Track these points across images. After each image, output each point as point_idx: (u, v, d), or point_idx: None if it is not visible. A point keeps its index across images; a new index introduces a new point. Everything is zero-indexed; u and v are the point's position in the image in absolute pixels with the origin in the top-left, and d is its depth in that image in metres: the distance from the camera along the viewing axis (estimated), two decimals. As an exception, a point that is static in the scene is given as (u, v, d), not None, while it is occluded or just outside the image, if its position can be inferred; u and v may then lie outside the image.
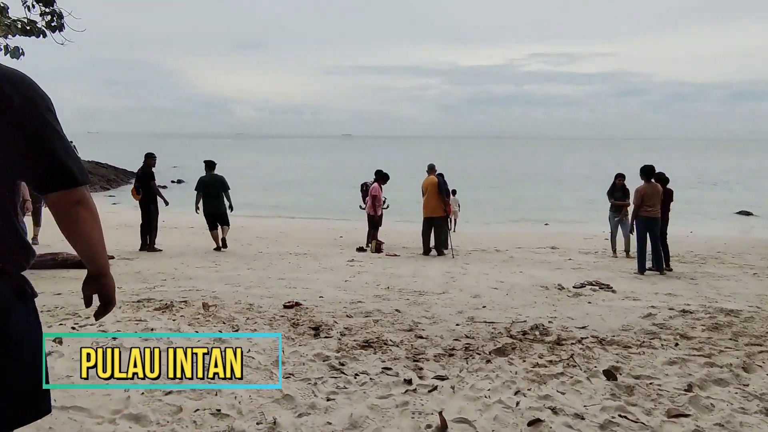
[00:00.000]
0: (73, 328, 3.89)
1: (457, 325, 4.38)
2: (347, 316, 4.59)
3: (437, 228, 9.76)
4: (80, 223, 1.40)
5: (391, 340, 3.83)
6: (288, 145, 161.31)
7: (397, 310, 4.84)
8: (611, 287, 6.33)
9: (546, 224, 19.55)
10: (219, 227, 10.18)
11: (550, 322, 4.54)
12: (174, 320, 4.10)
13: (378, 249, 10.23)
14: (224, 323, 4.15)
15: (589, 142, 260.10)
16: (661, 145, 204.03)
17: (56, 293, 5.23)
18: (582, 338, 4.02)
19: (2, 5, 6.88)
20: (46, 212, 10.06)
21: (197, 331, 3.88)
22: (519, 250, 10.75)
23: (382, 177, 11.13)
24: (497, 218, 21.60)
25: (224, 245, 10.10)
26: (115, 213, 20.38)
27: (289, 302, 4.87)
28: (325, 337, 3.90)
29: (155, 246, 9.73)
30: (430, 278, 7.00)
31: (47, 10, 7.04)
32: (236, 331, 4.02)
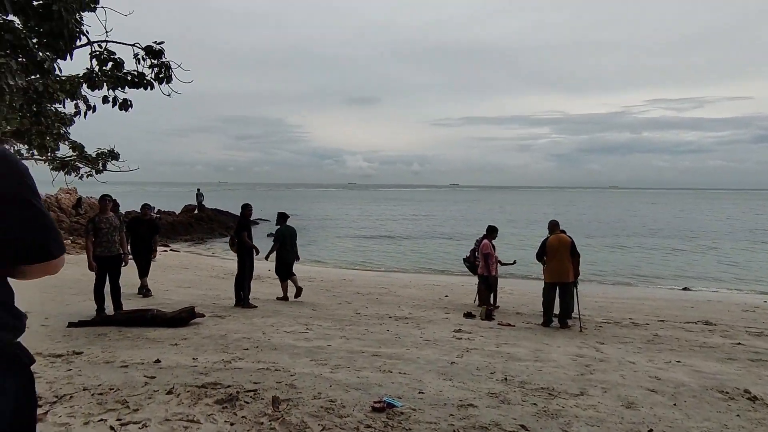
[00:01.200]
0: (112, 428, 3.15)
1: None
2: None
3: (564, 294, 8.24)
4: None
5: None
6: (397, 194, 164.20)
7: (523, 427, 3.58)
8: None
9: (685, 289, 16.80)
10: (292, 277, 10.55)
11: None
12: (232, 425, 3.22)
13: (489, 316, 8.90)
14: (293, 432, 3.19)
15: (721, 193, 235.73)
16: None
17: (122, 365, 4.66)
18: None
19: (119, 60, 6.91)
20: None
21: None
22: (663, 325, 8.83)
23: (490, 232, 9.94)
24: (620, 278, 19.09)
25: (299, 293, 10.46)
26: (227, 260, 21.00)
27: (379, 402, 3.81)
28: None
29: (250, 302, 9.25)
30: (558, 365, 5.59)
31: (156, 62, 6.98)
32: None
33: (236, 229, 10.03)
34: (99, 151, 11.36)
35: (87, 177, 11.42)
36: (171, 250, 24.63)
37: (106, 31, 6.80)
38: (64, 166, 11.65)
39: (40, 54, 5.66)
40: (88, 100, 7.17)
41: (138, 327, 6.69)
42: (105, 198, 7.79)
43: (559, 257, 8.08)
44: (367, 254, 25.75)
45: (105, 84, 6.85)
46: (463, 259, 10.77)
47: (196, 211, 37.65)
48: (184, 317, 7.00)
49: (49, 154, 11.05)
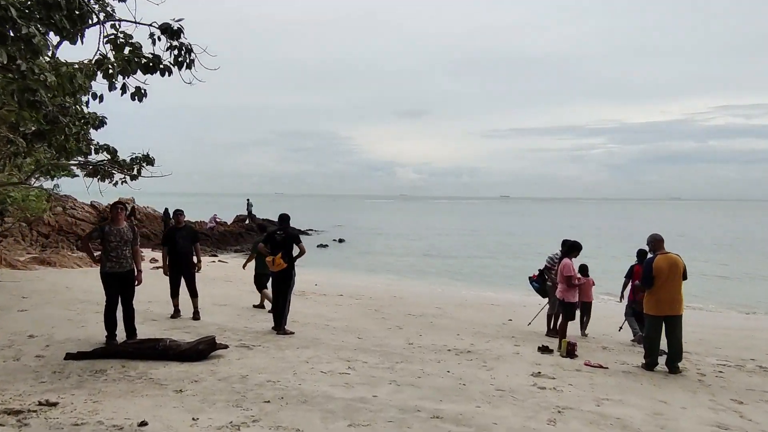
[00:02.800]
0: None
1: None
2: None
3: (674, 330, 6.45)
4: None
5: None
6: (447, 206, 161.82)
7: None
8: None
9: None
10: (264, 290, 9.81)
11: None
12: None
13: (571, 352, 7.24)
14: None
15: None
16: None
17: (107, 421, 3.43)
18: None
19: (137, 45, 5.85)
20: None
21: None
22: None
23: (572, 249, 8.24)
24: (707, 302, 16.69)
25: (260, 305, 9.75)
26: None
27: None
28: None
29: (285, 328, 7.94)
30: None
31: (174, 43, 5.88)
32: None
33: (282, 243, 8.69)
34: (133, 156, 10.49)
35: (122, 183, 10.57)
36: (219, 260, 24.04)
37: (136, 21, 5.77)
38: (96, 172, 10.88)
39: (27, 29, 4.59)
40: (90, 89, 6.15)
41: (147, 360, 5.54)
42: (117, 206, 6.71)
43: (670, 284, 6.31)
44: (419, 268, 24.25)
45: (113, 69, 5.80)
46: (530, 278, 9.09)
47: (246, 221, 37.37)
48: (202, 350, 5.79)
49: (78, 158, 10.29)
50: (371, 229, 49.74)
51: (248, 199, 39.24)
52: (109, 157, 10.26)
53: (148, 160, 10.61)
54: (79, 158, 10.16)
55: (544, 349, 7.47)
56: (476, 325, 9.95)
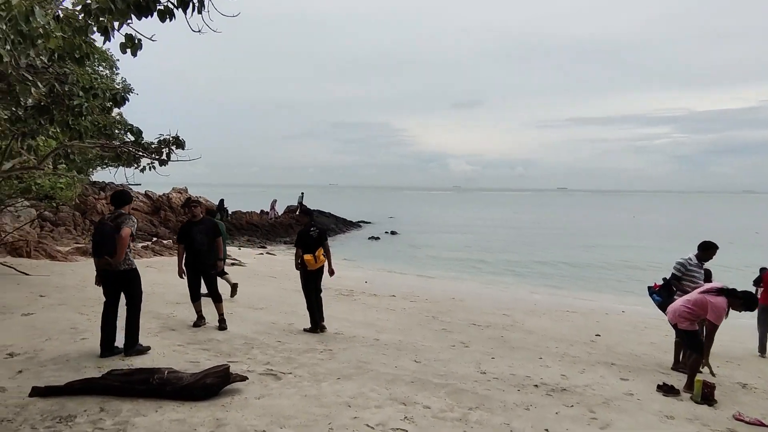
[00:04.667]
0: None
1: None
2: None
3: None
4: None
5: None
6: (503, 197, 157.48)
7: None
8: None
9: None
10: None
11: None
12: None
13: (708, 397, 5.30)
14: None
15: None
16: None
17: None
18: None
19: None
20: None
21: None
22: None
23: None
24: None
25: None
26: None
27: None
28: None
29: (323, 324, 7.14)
30: None
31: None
32: None
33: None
34: (161, 138, 9.22)
35: (150, 169, 9.34)
36: (267, 253, 23.09)
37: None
38: (118, 156, 9.72)
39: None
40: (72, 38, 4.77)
41: (137, 398, 4.13)
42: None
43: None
44: (477, 264, 22.32)
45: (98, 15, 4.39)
46: (650, 288, 7.00)
47: (297, 212, 36.74)
48: (210, 384, 4.32)
49: (99, 140, 9.14)
50: (424, 222, 47.93)
51: (302, 193, 38.78)
52: (132, 138, 9.04)
53: (177, 142, 9.33)
54: (100, 139, 9.01)
55: (668, 390, 5.55)
56: (558, 342, 8.09)
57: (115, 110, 9.12)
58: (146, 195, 31.96)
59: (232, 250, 21.71)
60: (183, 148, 9.43)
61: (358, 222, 41.15)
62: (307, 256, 7.29)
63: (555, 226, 45.70)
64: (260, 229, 31.60)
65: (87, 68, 7.61)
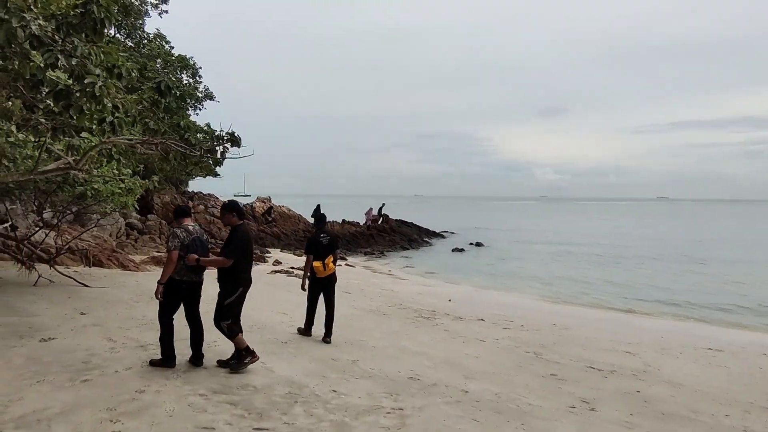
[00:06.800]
0: None
1: None
2: None
3: None
4: None
5: None
6: (594, 207, 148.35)
7: None
8: None
9: None
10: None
11: None
12: None
13: None
14: None
15: None
16: None
17: None
18: None
19: None
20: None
21: None
22: None
23: None
24: None
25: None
26: (402, 282, 17.01)
27: None
28: None
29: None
30: None
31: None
32: None
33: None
34: (217, 134, 8.04)
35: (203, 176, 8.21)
36: (346, 264, 21.84)
37: None
38: (166, 153, 8.62)
39: None
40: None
41: None
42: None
43: None
44: (577, 281, 19.56)
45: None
46: None
47: (379, 222, 35.73)
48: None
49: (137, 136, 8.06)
50: (512, 233, 44.93)
51: (383, 203, 38.00)
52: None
53: (233, 139, 8.10)
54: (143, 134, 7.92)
55: None
56: (727, 407, 5.71)
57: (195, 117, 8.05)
58: (231, 205, 32.13)
59: (308, 261, 20.73)
60: (239, 146, 8.19)
61: (442, 232, 39.23)
62: (316, 263, 7.09)
63: (659, 237, 41.00)
64: (341, 239, 30.69)
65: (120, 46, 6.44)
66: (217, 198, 34.82)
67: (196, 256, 5.20)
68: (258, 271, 15.21)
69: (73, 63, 4.94)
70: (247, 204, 33.69)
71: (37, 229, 12.29)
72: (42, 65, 4.85)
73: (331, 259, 7.19)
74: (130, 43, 18.53)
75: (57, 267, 11.20)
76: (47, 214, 12.98)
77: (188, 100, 17.38)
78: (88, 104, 5.28)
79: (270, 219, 33.64)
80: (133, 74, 5.77)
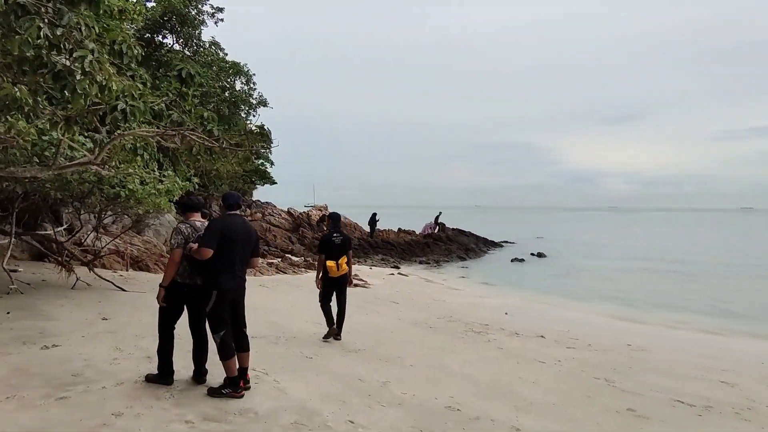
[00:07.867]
0: None
1: None
2: None
3: None
4: None
5: None
6: (670, 218, 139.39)
7: None
8: None
9: None
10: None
11: None
12: None
13: None
14: None
15: None
16: None
17: None
18: None
19: None
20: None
21: None
22: None
23: None
24: None
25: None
26: (456, 291, 15.87)
27: None
28: None
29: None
30: None
31: None
32: None
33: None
34: (248, 128, 7.34)
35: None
36: (399, 273, 20.93)
37: None
38: (190, 150, 8.04)
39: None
40: None
41: None
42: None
43: None
44: (653, 297, 17.55)
45: None
46: None
47: (435, 230, 34.67)
48: None
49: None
50: (578, 243, 42.29)
51: (440, 212, 37.02)
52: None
53: (264, 135, 7.39)
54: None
55: None
56: None
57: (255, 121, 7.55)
58: (288, 212, 32.07)
59: (362, 269, 19.91)
60: (270, 143, 7.47)
61: (501, 242, 37.50)
62: (330, 263, 7.00)
63: (747, 250, 37.20)
64: (396, 247, 29.85)
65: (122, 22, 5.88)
66: (275, 206, 34.93)
67: (196, 245, 4.46)
68: (307, 279, 14.56)
69: (58, 33, 4.32)
70: (303, 212, 33.51)
71: (88, 233, 12.23)
72: (30, 40, 4.28)
73: (345, 259, 7.12)
74: (187, 52, 18.63)
75: (97, 270, 10.99)
76: (108, 220, 12.91)
77: (241, 106, 17.12)
78: (81, 83, 4.68)
79: (324, 227, 33.38)
80: (136, 52, 5.13)
